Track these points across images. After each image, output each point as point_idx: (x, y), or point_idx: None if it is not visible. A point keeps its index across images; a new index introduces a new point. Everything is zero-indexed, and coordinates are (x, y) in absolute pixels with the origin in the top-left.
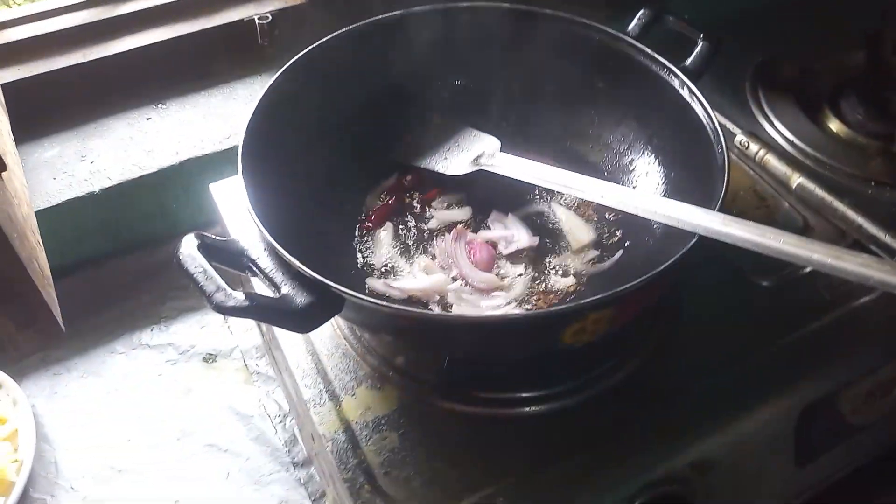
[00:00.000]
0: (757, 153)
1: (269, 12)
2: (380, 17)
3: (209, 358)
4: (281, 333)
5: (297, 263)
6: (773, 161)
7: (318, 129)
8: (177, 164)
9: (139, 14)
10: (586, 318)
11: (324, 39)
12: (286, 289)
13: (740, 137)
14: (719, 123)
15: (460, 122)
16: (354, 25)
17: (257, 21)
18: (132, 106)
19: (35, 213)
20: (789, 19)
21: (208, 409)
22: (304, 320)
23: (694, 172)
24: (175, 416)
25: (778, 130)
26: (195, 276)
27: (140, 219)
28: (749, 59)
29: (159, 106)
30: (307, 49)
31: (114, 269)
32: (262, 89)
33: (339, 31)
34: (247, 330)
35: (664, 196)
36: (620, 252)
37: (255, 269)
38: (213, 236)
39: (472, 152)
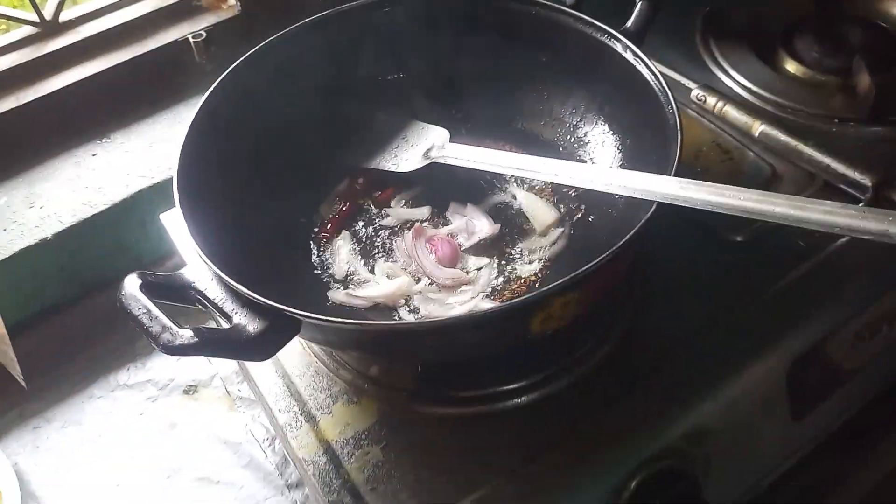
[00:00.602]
0: (715, 105)
1: (202, 29)
2: (305, 20)
3: (190, 389)
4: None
5: (243, 289)
6: (732, 111)
7: (258, 144)
8: (128, 197)
9: (69, 49)
10: (552, 305)
11: (250, 52)
12: (237, 318)
13: (696, 91)
14: (669, 82)
15: (406, 116)
16: (280, 33)
17: (192, 40)
18: (76, 144)
19: None
20: None
21: (195, 441)
22: (259, 348)
23: (649, 137)
24: (162, 453)
25: (734, 79)
26: (139, 318)
27: (99, 258)
28: (695, 9)
29: (104, 140)
30: (232, 66)
31: (80, 313)
32: None
33: (264, 43)
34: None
35: (622, 166)
36: (567, 231)
37: (203, 301)
38: (157, 273)
39: (421, 146)
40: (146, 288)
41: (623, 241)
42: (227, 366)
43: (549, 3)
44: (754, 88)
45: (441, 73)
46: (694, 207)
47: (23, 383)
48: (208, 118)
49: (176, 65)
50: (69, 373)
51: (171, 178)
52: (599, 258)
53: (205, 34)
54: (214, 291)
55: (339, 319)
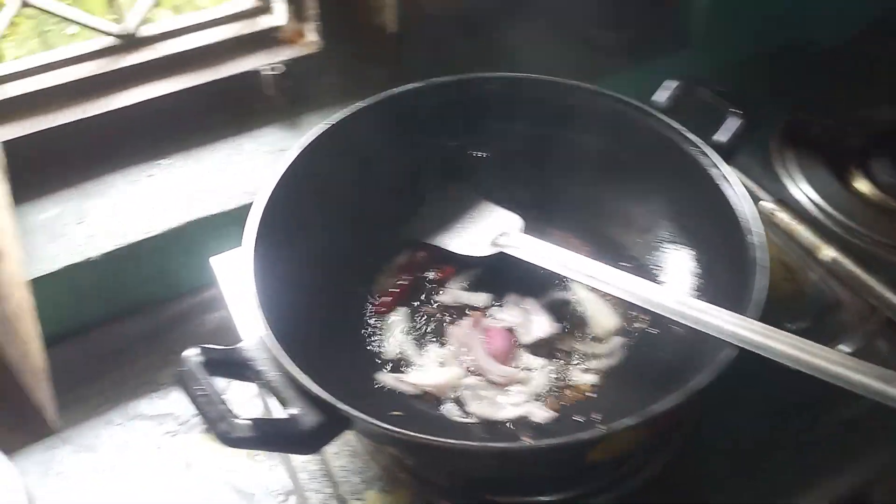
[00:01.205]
0: (784, 221)
1: (279, 63)
2: (396, 90)
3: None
4: None
5: (306, 382)
6: (801, 230)
7: (327, 205)
8: (178, 226)
9: (142, 66)
10: (614, 440)
11: (339, 117)
12: (293, 406)
13: (767, 204)
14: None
15: (478, 195)
16: (370, 101)
17: (266, 72)
18: (133, 162)
19: (32, 280)
20: (818, 73)
21: (209, 486)
22: (312, 443)
23: (728, 259)
24: (174, 494)
25: (805, 194)
26: (197, 399)
27: (139, 283)
28: (776, 116)
29: (161, 162)
30: (322, 129)
31: (110, 335)
32: (269, 144)
33: (355, 109)
34: (249, 398)
35: (697, 283)
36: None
37: (261, 381)
38: (217, 347)
39: (490, 231)
40: (206, 365)
41: (698, 386)
42: (251, 410)
43: (638, 104)
44: (825, 206)
45: (520, 157)
46: (775, 360)
47: (56, 424)
48: (288, 178)
49: (246, 95)
50: (90, 394)
51: (224, 213)
52: (671, 402)
53: (280, 68)
54: (273, 374)
55: (392, 428)
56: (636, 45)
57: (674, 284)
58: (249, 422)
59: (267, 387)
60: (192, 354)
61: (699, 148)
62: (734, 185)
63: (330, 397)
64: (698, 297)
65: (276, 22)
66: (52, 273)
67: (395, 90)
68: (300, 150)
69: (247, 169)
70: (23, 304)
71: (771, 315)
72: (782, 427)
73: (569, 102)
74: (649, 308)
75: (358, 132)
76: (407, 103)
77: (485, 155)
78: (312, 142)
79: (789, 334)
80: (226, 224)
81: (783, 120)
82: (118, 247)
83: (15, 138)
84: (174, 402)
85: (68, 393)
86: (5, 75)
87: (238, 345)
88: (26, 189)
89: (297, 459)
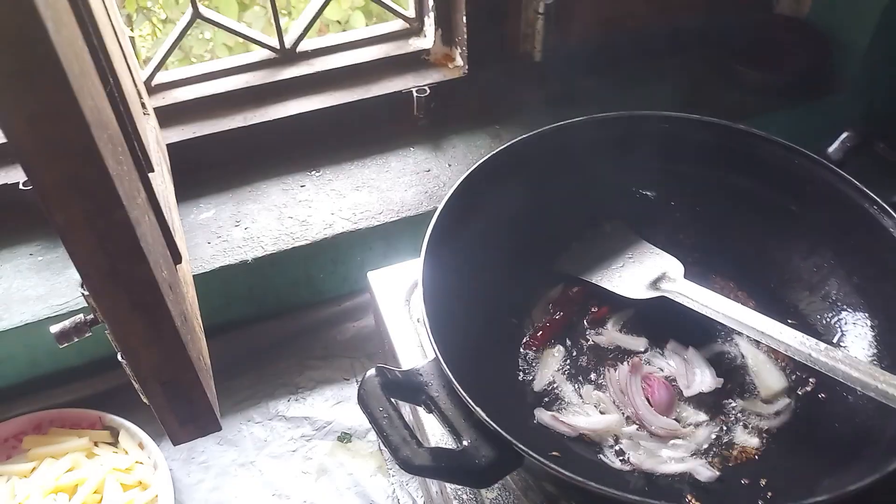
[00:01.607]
0: None
1: (427, 85)
2: (565, 122)
3: (344, 437)
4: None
5: (483, 415)
6: None
7: (489, 230)
8: (329, 237)
9: (300, 80)
10: None
11: (508, 144)
12: (467, 439)
13: None
14: None
15: (635, 234)
16: (544, 129)
17: (415, 94)
18: (287, 171)
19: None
20: None
21: (339, 494)
22: (485, 478)
23: None
24: (306, 497)
25: None
26: (380, 422)
27: (287, 286)
28: None
29: (313, 173)
30: (489, 155)
31: (255, 334)
32: (413, 163)
33: (527, 136)
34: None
35: (870, 350)
36: (793, 404)
37: (434, 409)
38: (394, 370)
39: (650, 273)
40: (385, 386)
41: (884, 472)
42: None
43: (813, 155)
44: None
45: (684, 200)
46: None
47: (220, 423)
48: (456, 202)
49: (394, 114)
50: (235, 390)
51: (373, 227)
52: (854, 487)
53: (428, 90)
54: (445, 402)
55: (578, 478)
56: (788, 87)
57: (848, 348)
58: (429, 451)
59: (440, 414)
60: (372, 375)
61: (879, 206)
62: None
63: (506, 434)
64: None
65: (425, 45)
66: (207, 272)
67: (564, 122)
68: (470, 173)
69: (393, 186)
70: (194, 303)
71: None
72: None
73: (738, 147)
74: (828, 373)
75: (526, 160)
76: (574, 135)
77: (644, 194)
78: (485, 161)
79: None
80: (372, 238)
81: None
82: (271, 252)
83: (179, 141)
84: (310, 406)
85: (215, 387)
86: (172, 81)
87: (413, 368)
88: (186, 190)
89: (451, 486)
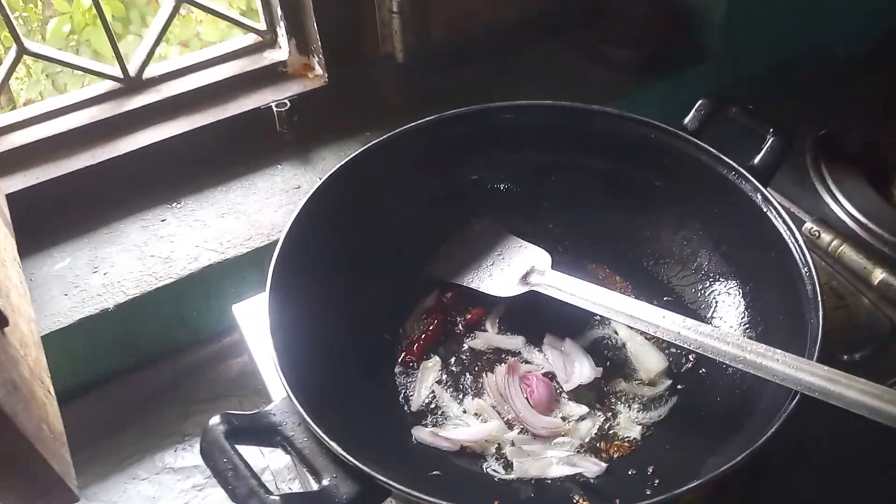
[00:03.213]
0: (830, 244)
1: (286, 98)
2: (409, 125)
3: None
4: None
5: (339, 450)
6: (849, 253)
7: (347, 247)
8: (196, 271)
9: (149, 108)
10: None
11: (355, 153)
12: (327, 477)
13: (809, 225)
14: (800, 237)
15: (504, 229)
16: (383, 137)
17: (275, 109)
18: (146, 207)
19: (46, 335)
20: (841, 85)
21: None
22: None
23: (777, 290)
24: None
25: (847, 211)
26: (224, 474)
27: (158, 330)
28: (808, 131)
29: (174, 205)
30: (335, 168)
31: (132, 385)
32: (282, 181)
33: (368, 146)
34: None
35: (744, 317)
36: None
37: (290, 449)
38: (242, 413)
39: (519, 268)
40: (230, 435)
41: (756, 444)
42: (278, 459)
43: (669, 127)
44: (870, 225)
45: (546, 187)
46: (844, 408)
47: (76, 493)
48: (303, 225)
49: (256, 132)
50: (114, 448)
51: (242, 255)
52: (730, 465)
53: (289, 104)
54: (301, 440)
55: (434, 501)
56: (653, 62)
57: (721, 320)
58: (280, 498)
59: (297, 454)
60: (214, 423)
61: (738, 172)
62: (779, 213)
63: (366, 468)
64: (748, 333)
65: (281, 56)
66: (66, 327)
67: (408, 126)
68: (313, 192)
69: (261, 209)
70: (38, 365)
71: (823, 347)
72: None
73: (594, 128)
74: (699, 350)
75: (373, 170)
76: (422, 137)
77: (508, 187)
78: (325, 181)
79: (861, 380)
80: (243, 267)
81: (816, 135)
82: (134, 296)
83: (22, 189)
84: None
85: (91, 448)
86: (8, 125)
87: (263, 409)
88: (37, 240)
89: None
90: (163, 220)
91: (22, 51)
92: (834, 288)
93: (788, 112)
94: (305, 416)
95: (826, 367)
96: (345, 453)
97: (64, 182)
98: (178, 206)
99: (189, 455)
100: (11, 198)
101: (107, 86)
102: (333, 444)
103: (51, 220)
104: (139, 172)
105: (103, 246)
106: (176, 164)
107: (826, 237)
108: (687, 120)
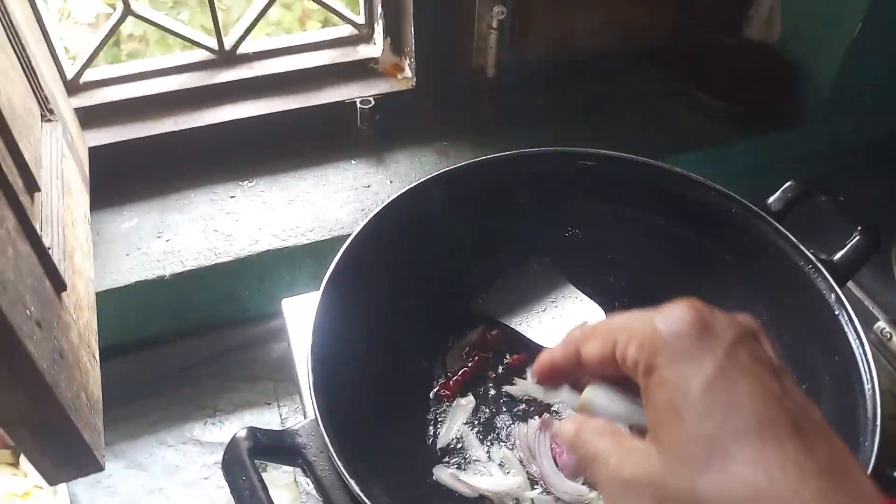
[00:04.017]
0: None
1: (372, 96)
2: (488, 157)
3: (260, 466)
4: None
5: (357, 489)
6: None
7: (404, 269)
8: (254, 254)
9: (238, 84)
10: None
11: (433, 175)
12: None
13: (882, 325)
14: (869, 350)
15: (561, 276)
16: (460, 165)
17: (359, 105)
18: (217, 181)
19: (103, 291)
20: None
21: None
22: None
23: (833, 396)
24: None
25: None
26: (241, 493)
27: (209, 304)
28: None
29: (245, 183)
30: (412, 185)
31: (174, 352)
32: (353, 178)
33: (443, 171)
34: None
35: None
36: None
37: (310, 474)
38: (268, 431)
39: (571, 320)
40: (254, 451)
41: None
42: None
43: (751, 206)
44: None
45: (615, 242)
46: None
47: (101, 463)
48: (367, 238)
49: (337, 125)
50: (148, 410)
51: (302, 245)
52: None
53: (373, 101)
54: (322, 467)
55: None
56: (748, 116)
57: None
58: None
59: (316, 482)
60: (240, 437)
61: (814, 266)
62: (851, 319)
63: None
64: None
65: (374, 53)
66: (123, 287)
67: (487, 157)
68: (386, 205)
69: (329, 202)
70: (88, 329)
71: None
72: None
73: (675, 189)
74: None
75: (444, 193)
76: (494, 171)
77: (574, 233)
78: (399, 197)
79: None
80: (301, 257)
81: None
82: (191, 268)
83: (105, 144)
84: (228, 431)
85: (126, 407)
86: (102, 80)
87: (290, 427)
88: (110, 196)
89: None
90: (231, 197)
91: (127, 11)
92: None
93: (880, 194)
94: (330, 446)
95: None
96: (362, 494)
97: (144, 144)
98: (250, 184)
99: (217, 431)
100: (93, 151)
101: (201, 55)
102: (352, 483)
103: (126, 179)
104: (217, 145)
105: (171, 213)
106: (253, 142)
107: None
108: (771, 200)
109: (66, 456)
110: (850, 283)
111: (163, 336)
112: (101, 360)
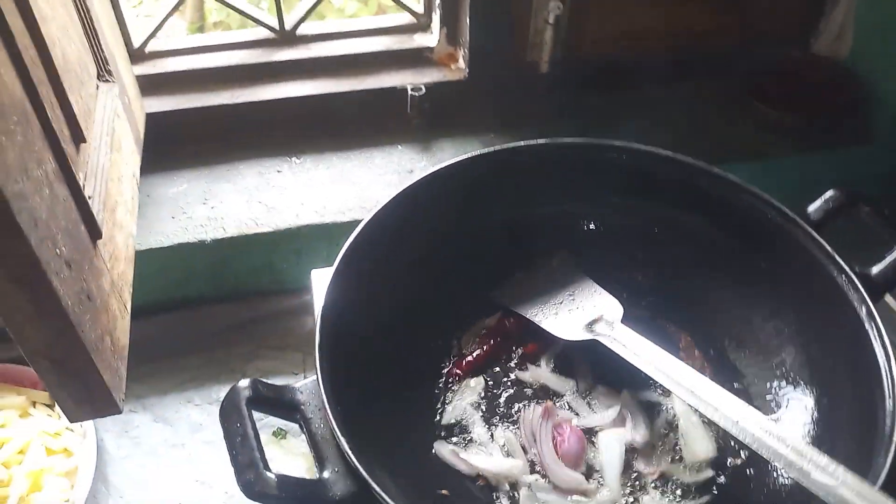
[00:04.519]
0: None
1: (424, 84)
2: (521, 143)
3: (280, 433)
4: None
5: (346, 446)
6: None
7: (426, 248)
8: (294, 227)
9: (295, 63)
10: None
11: (460, 158)
12: (329, 470)
13: None
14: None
15: (580, 270)
16: (488, 149)
17: (410, 91)
18: (266, 155)
19: (145, 251)
20: None
21: None
22: None
23: (855, 411)
24: (227, 489)
25: None
26: (233, 439)
27: (247, 271)
28: None
29: (293, 159)
30: (436, 168)
31: (211, 315)
32: (398, 162)
33: (473, 154)
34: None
35: (812, 427)
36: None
37: (305, 430)
38: (270, 384)
39: (587, 313)
40: (253, 401)
41: None
42: None
43: (788, 212)
44: None
45: (641, 238)
46: None
47: (120, 406)
48: (388, 214)
49: (387, 110)
50: (179, 369)
51: (341, 223)
52: None
53: (424, 89)
54: (318, 424)
55: None
56: (808, 131)
57: (786, 423)
58: (276, 477)
59: (310, 437)
60: (242, 386)
61: (849, 277)
62: (881, 334)
63: (365, 473)
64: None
65: (430, 42)
66: (166, 247)
67: (515, 144)
68: (408, 186)
69: (372, 184)
70: (122, 279)
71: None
72: None
73: (711, 191)
74: (753, 446)
75: (469, 177)
76: (525, 158)
77: (604, 228)
78: (421, 180)
79: None
80: (339, 234)
81: None
82: (232, 235)
83: (163, 111)
84: None
85: (158, 363)
86: (165, 51)
87: (292, 384)
88: (163, 161)
89: None
90: (279, 171)
91: None
92: None
93: None
94: (326, 401)
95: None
96: (349, 451)
97: (201, 114)
98: (298, 161)
99: None
100: (151, 117)
101: (262, 33)
102: (342, 439)
103: (180, 146)
104: (270, 121)
105: (219, 182)
106: (306, 120)
107: None
108: (812, 208)
109: (86, 394)
110: (893, 304)
111: (200, 299)
112: (137, 317)
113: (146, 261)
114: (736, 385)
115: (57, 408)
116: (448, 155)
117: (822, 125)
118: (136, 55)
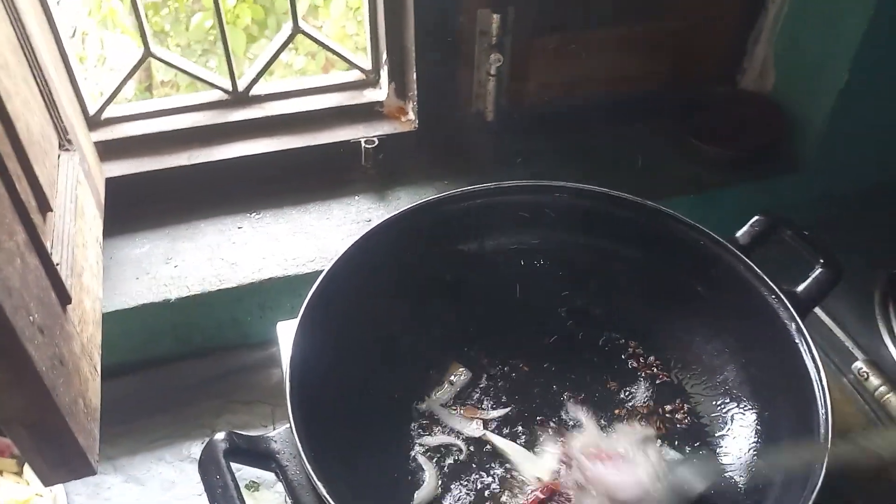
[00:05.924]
0: (878, 388)
1: (376, 136)
2: (472, 187)
3: (252, 486)
4: None
5: (324, 492)
6: (894, 403)
7: (389, 292)
8: (257, 281)
9: (249, 123)
10: None
11: (412, 206)
12: None
13: (859, 364)
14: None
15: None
16: (441, 195)
17: (363, 144)
18: (226, 212)
19: (111, 312)
20: None
21: None
22: None
23: (792, 422)
24: None
25: None
26: (214, 491)
27: (212, 327)
28: (885, 265)
29: (253, 215)
30: (394, 213)
31: (179, 372)
32: (356, 213)
33: (423, 201)
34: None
35: (755, 442)
36: None
37: (281, 478)
38: (245, 434)
39: None
40: (230, 452)
41: None
42: None
43: (718, 237)
44: None
45: (590, 272)
46: None
47: (95, 467)
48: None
49: (342, 163)
50: (149, 428)
51: (303, 275)
52: None
53: (377, 141)
54: (294, 472)
55: None
56: (741, 164)
57: (732, 440)
58: None
59: (287, 486)
60: (218, 439)
61: (777, 296)
62: (809, 346)
63: None
64: (755, 459)
65: (379, 97)
66: (130, 309)
67: (466, 189)
68: (364, 234)
69: (331, 235)
70: (91, 343)
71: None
72: None
73: (646, 223)
74: None
75: (427, 222)
76: (476, 201)
77: (545, 265)
78: (376, 227)
79: None
80: (302, 286)
81: (892, 272)
82: (196, 293)
83: (121, 175)
84: None
85: (128, 423)
86: (120, 116)
87: (266, 434)
88: (124, 223)
89: None
90: (239, 228)
91: (147, 54)
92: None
93: (870, 240)
94: (300, 447)
95: None
96: (326, 495)
97: (159, 176)
98: (257, 216)
99: None
100: (111, 181)
101: (215, 95)
102: (319, 484)
103: (140, 208)
104: (227, 180)
105: (180, 241)
106: (263, 177)
107: (874, 381)
108: (739, 233)
109: (61, 457)
110: (831, 323)
111: (167, 357)
112: (106, 378)
113: (112, 322)
114: (686, 405)
115: (25, 474)
116: (404, 203)
117: (752, 156)
118: (93, 122)
